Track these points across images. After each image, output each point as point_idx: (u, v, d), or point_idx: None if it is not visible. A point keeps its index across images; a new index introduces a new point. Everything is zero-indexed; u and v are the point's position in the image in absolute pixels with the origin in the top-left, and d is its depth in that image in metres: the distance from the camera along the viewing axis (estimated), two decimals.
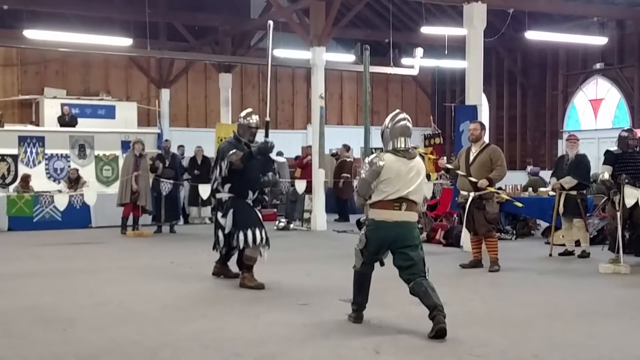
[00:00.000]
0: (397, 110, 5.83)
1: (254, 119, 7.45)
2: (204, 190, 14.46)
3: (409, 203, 5.46)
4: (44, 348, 4.88)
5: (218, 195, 7.38)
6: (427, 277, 5.44)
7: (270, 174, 7.56)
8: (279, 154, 18.74)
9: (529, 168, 15.58)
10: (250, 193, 7.34)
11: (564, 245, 10.03)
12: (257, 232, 7.19)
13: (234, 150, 7.18)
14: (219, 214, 7.32)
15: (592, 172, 10.46)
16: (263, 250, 7.33)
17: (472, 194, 8.39)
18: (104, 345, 4.96)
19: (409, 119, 5.64)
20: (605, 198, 11.02)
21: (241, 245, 7.14)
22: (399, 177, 5.43)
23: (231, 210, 7.16)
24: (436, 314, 5.15)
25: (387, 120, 5.67)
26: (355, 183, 15.31)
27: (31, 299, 6.64)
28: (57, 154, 16.12)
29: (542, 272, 8.49)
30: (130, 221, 12.84)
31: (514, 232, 12.11)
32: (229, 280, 7.72)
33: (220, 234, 7.32)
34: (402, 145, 5.52)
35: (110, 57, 19.60)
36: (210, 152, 17.28)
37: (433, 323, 5.14)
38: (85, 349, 4.84)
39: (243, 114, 7.63)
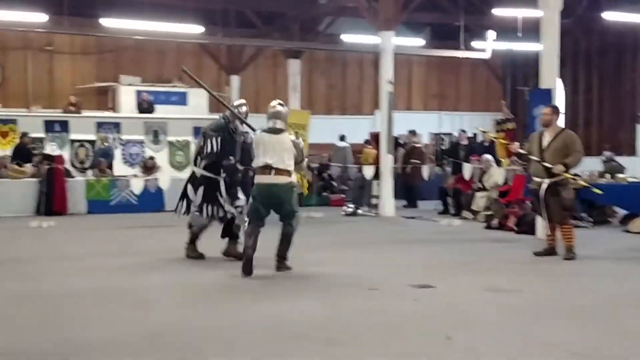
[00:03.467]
0: (275, 100, 7.34)
1: (244, 109, 8.10)
2: None
3: (277, 169, 6.91)
4: (116, 329, 5.03)
5: (193, 168, 8.24)
6: (294, 225, 7.08)
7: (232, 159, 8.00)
8: (342, 138, 18.72)
9: (605, 154, 15.09)
10: (221, 171, 7.97)
11: None
12: (211, 207, 7.94)
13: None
14: (190, 186, 8.08)
15: None
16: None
17: (546, 181, 8.19)
18: (175, 325, 5.09)
19: (282, 103, 7.26)
20: None
21: (206, 217, 7.98)
22: (266, 148, 6.97)
23: (202, 187, 7.93)
24: (277, 260, 7.10)
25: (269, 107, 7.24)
26: (424, 169, 15.20)
27: (105, 280, 6.88)
28: (132, 140, 16.62)
29: (619, 260, 8.25)
30: None
31: (591, 219, 11.76)
32: (299, 261, 7.79)
33: (184, 201, 8.11)
34: (271, 125, 7.09)
35: (183, 45, 19.97)
36: None
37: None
38: (155, 329, 4.97)
39: (235, 103, 8.32)
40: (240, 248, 7.68)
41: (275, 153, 6.93)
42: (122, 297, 6.11)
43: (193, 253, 8.17)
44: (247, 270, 6.87)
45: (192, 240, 8.22)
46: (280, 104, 7.24)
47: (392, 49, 14.16)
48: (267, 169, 6.93)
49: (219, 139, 7.85)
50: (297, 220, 7.17)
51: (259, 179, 7.00)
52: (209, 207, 7.95)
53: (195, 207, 8.02)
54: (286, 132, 7.14)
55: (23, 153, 14.80)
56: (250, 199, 7.10)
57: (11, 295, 6.18)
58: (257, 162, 7.04)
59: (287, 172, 7.01)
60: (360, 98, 23.30)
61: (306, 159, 7.43)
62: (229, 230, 8.14)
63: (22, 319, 5.32)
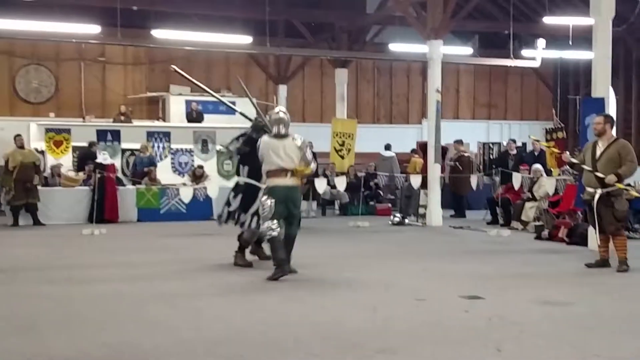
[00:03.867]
0: (278, 107, 7.86)
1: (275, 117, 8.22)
2: (320, 185, 14.71)
3: (291, 172, 7.34)
4: (176, 334, 5.11)
5: (237, 178, 8.50)
6: (297, 227, 7.55)
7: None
8: (387, 147, 18.66)
9: None
10: (265, 177, 8.02)
11: None
12: (256, 219, 8.05)
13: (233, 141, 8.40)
14: (232, 193, 8.35)
15: None
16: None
17: (598, 191, 8.03)
18: (229, 333, 5.15)
19: (285, 111, 7.58)
20: None
21: (245, 226, 8.17)
22: (273, 152, 7.34)
23: (240, 195, 8.16)
24: (281, 264, 7.23)
25: (271, 113, 7.72)
26: (473, 178, 15.03)
27: (156, 286, 7.01)
28: (181, 149, 16.89)
29: None
30: None
31: None
32: (348, 271, 7.84)
33: (226, 209, 8.33)
34: (276, 131, 7.45)
35: (231, 55, 20.22)
36: (325, 147, 17.51)
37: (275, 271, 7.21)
38: (211, 336, 5.04)
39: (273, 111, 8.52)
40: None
41: (286, 157, 7.34)
42: (174, 303, 6.21)
43: (241, 261, 8.27)
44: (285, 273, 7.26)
45: (241, 249, 8.32)
46: (282, 111, 7.61)
47: (440, 58, 14.09)
48: (282, 172, 7.33)
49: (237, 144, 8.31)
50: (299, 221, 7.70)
51: (275, 181, 7.36)
52: (244, 216, 8.13)
53: (233, 214, 8.23)
54: (290, 137, 7.49)
55: (88, 161, 15.18)
56: (272, 202, 7.39)
57: (66, 301, 6.34)
58: (269, 166, 7.40)
59: (297, 174, 7.48)
60: (408, 107, 23.23)
61: (313, 165, 7.74)
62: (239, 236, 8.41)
63: (78, 324, 5.45)
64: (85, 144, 15.74)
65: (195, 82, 8.99)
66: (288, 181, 7.35)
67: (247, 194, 8.15)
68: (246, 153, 8.16)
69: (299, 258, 8.42)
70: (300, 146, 7.43)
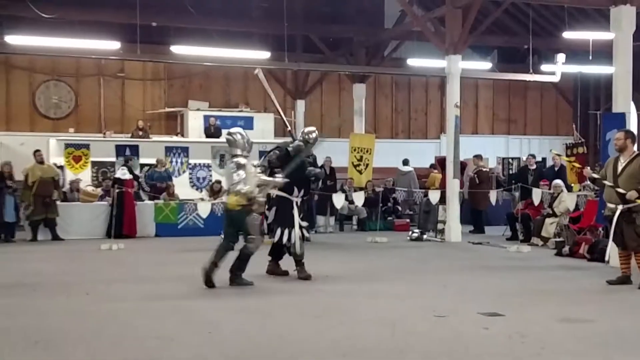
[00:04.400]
0: (232, 129, 8.23)
1: (314, 135, 8.78)
2: (338, 200, 14.66)
3: (229, 193, 7.77)
4: (193, 350, 5.10)
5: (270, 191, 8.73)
6: (250, 247, 7.74)
7: (311, 168, 8.74)
8: (405, 162, 18.60)
9: None
10: (296, 190, 8.44)
11: None
12: (292, 232, 8.32)
13: (275, 152, 8.69)
14: (265, 206, 8.64)
15: None
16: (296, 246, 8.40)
17: (620, 207, 7.92)
18: (248, 348, 5.12)
19: (232, 132, 7.98)
20: None
21: (276, 239, 8.38)
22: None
23: (274, 208, 8.43)
24: (230, 274, 7.80)
25: None
26: (492, 193, 14.92)
27: (176, 301, 7.00)
28: (199, 164, 16.95)
29: None
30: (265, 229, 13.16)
31: None
32: (367, 287, 7.78)
33: (265, 223, 8.67)
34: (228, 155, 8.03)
35: (250, 70, 20.26)
36: (342, 162, 17.48)
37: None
38: (229, 352, 5.01)
39: (305, 130, 8.94)
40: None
41: (226, 179, 7.89)
42: (192, 318, 6.19)
43: (303, 274, 8.38)
44: (209, 284, 7.60)
45: (298, 263, 8.45)
46: (229, 133, 8.00)
47: (459, 73, 14.03)
48: (226, 192, 7.93)
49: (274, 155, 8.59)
50: (256, 243, 7.78)
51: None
52: (280, 230, 8.31)
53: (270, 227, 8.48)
54: (230, 160, 7.92)
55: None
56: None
57: (85, 315, 6.35)
58: None
59: (237, 195, 7.70)
60: (426, 122, 23.17)
61: (240, 187, 7.73)
62: (277, 251, 8.57)
63: (96, 339, 5.44)
64: (102, 159, 15.93)
65: (272, 96, 9.59)
66: (225, 200, 7.96)
67: (280, 207, 8.37)
68: (278, 166, 8.41)
69: (317, 274, 8.42)
70: (229, 170, 7.82)
